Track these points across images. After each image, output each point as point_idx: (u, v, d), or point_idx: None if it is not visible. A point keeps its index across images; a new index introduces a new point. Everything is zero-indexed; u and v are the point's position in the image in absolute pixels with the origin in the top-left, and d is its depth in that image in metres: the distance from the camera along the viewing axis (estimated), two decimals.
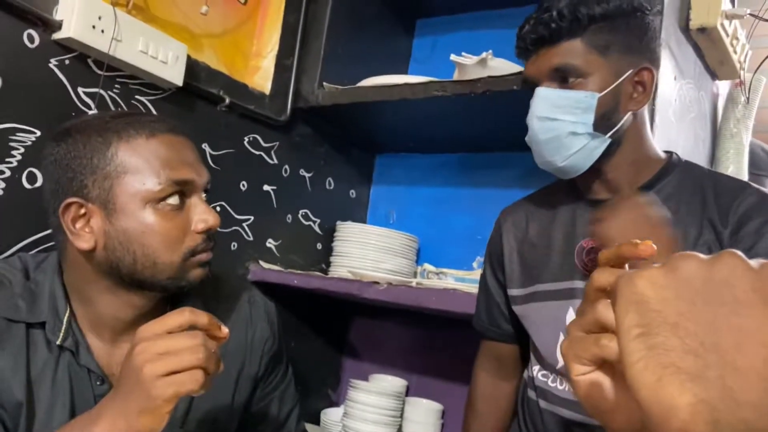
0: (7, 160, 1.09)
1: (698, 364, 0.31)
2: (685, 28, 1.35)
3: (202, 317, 0.67)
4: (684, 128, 1.36)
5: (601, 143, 0.94)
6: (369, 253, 1.67)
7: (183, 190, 0.82)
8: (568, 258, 1.00)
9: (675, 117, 1.29)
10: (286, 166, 1.69)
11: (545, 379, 1.02)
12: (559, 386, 0.99)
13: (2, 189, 1.08)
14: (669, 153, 1.02)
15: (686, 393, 0.31)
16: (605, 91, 0.91)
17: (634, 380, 0.33)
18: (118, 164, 0.79)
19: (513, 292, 1.08)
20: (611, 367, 0.43)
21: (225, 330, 0.69)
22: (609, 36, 0.91)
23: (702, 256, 0.35)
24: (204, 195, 0.86)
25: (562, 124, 0.92)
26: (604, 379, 0.44)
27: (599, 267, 0.45)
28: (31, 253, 0.91)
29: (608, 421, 0.44)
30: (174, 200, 0.81)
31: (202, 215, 0.83)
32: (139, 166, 0.80)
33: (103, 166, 0.79)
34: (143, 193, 0.79)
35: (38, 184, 1.13)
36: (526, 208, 1.12)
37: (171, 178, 0.80)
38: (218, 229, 0.86)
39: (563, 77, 0.93)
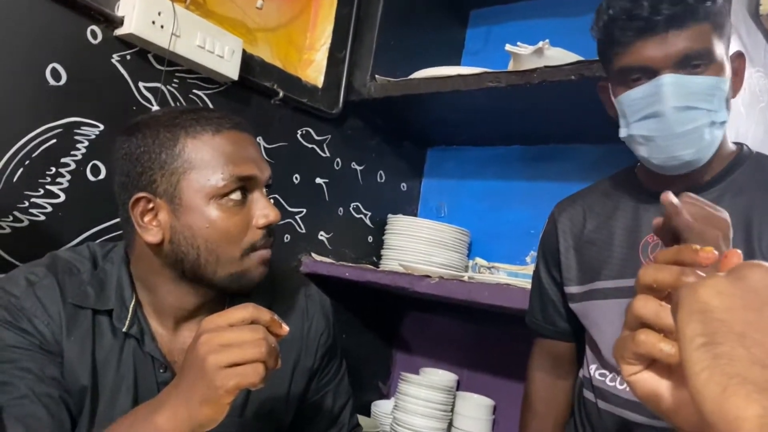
0: (72, 153, 1.13)
1: (766, 375, 0.30)
2: (755, 14, 1.28)
3: (264, 314, 0.68)
4: (754, 119, 1.29)
5: (721, 133, 0.89)
6: (420, 247, 1.66)
7: (245, 185, 0.83)
8: (632, 254, 0.96)
9: (744, 107, 1.23)
10: (338, 159, 1.69)
11: (603, 379, 0.99)
12: (618, 386, 0.96)
13: (68, 181, 1.12)
14: (739, 144, 0.97)
15: (753, 404, 0.30)
16: (729, 78, 0.86)
17: (697, 391, 0.32)
18: (185, 160, 0.81)
19: (570, 289, 1.05)
20: (667, 366, 0.42)
21: (286, 328, 0.69)
22: (723, 19, 0.86)
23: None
24: (265, 190, 0.87)
25: (701, 113, 0.85)
26: (659, 379, 0.43)
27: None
28: (98, 242, 0.94)
29: (673, 420, 0.43)
30: (237, 196, 0.82)
31: (263, 210, 0.84)
32: (204, 162, 0.81)
33: (171, 161, 0.81)
34: (207, 189, 0.81)
35: (102, 176, 1.16)
36: (583, 202, 1.08)
37: (234, 174, 0.81)
38: None
39: (693, 62, 0.84)
